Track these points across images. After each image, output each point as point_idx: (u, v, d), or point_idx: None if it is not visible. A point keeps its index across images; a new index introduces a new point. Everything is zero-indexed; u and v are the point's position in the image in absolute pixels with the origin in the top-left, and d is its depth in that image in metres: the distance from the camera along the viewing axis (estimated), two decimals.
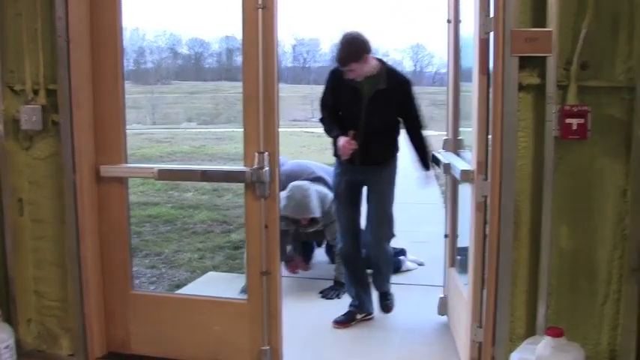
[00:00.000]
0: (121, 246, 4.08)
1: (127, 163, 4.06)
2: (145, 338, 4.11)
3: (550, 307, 3.38)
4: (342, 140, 4.60)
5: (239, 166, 3.80)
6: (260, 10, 3.58)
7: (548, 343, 3.07)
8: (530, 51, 3.21)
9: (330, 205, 5.51)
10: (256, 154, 3.70)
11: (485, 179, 3.43)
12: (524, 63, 3.25)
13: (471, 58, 3.85)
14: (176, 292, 5.88)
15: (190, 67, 53.47)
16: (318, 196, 5.64)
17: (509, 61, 3.23)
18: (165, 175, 4.15)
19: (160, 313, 4.08)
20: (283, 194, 5.47)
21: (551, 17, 3.17)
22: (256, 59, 3.63)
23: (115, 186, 4.02)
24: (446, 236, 4.86)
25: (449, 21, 4.65)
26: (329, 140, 4.83)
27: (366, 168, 4.71)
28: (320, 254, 6.59)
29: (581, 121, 3.16)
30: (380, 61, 4.66)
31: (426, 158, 4.77)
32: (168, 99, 40.79)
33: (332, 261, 6.23)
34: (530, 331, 3.42)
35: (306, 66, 62.16)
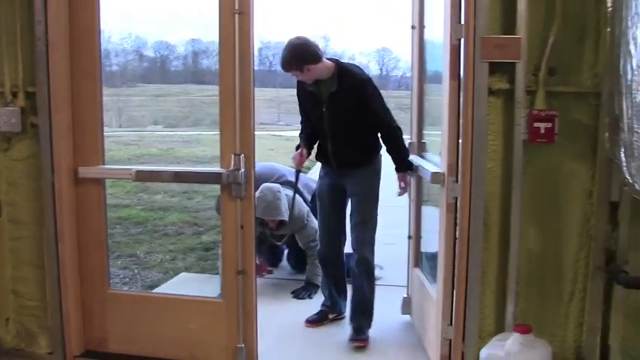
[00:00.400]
0: (99, 246, 4.11)
1: (104, 164, 4.10)
2: (122, 337, 4.14)
3: (518, 306, 3.48)
4: (295, 153, 4.72)
5: (216, 168, 3.86)
6: (237, 15, 3.65)
7: (517, 339, 3.17)
8: (500, 57, 3.31)
9: (292, 209, 5.46)
10: (232, 155, 3.76)
11: (456, 181, 3.51)
12: (494, 69, 3.35)
13: (435, 63, 3.92)
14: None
15: (156, 69, 52.89)
16: (287, 200, 5.67)
17: (480, 66, 3.32)
18: (143, 176, 4.21)
19: (137, 312, 4.13)
20: None
21: (520, 25, 3.27)
22: (233, 63, 3.69)
23: (92, 187, 4.06)
24: (409, 237, 4.90)
25: (413, 27, 4.69)
26: (296, 144, 4.85)
27: (344, 171, 4.65)
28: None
29: (549, 125, 3.27)
30: (336, 62, 4.56)
31: (399, 159, 4.58)
32: (134, 102, 40.37)
33: (293, 268, 6.32)
34: (500, 329, 3.52)
35: (272, 69, 61.77)
